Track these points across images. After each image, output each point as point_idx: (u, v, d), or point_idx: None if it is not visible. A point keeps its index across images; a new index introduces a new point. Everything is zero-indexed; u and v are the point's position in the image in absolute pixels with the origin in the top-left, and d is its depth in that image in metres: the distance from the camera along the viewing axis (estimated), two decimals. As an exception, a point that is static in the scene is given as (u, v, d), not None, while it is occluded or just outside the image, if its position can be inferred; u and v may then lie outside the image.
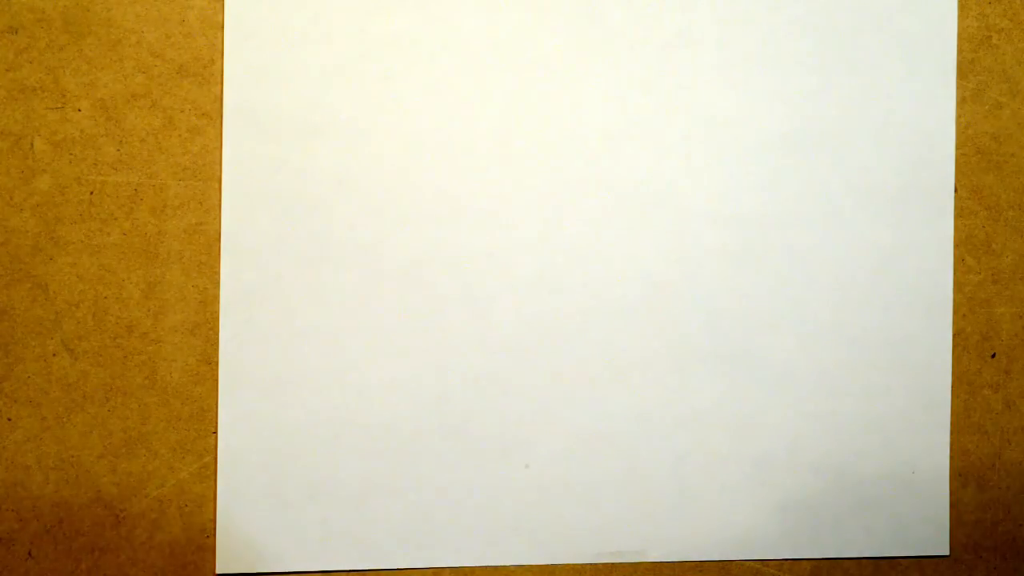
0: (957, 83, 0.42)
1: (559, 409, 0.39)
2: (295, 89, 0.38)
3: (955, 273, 0.42)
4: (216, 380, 0.37)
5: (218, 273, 0.37)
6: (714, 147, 0.40)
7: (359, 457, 0.38)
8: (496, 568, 0.39)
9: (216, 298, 0.37)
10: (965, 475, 0.42)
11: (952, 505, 0.42)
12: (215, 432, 0.37)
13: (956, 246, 0.41)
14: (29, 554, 0.36)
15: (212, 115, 0.37)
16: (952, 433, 0.42)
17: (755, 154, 0.40)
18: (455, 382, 0.38)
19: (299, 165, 0.38)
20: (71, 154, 0.37)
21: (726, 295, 0.40)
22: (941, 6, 0.42)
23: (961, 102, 0.42)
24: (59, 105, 0.36)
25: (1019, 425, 0.42)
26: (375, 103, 0.38)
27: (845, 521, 0.40)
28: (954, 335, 0.42)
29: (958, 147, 0.42)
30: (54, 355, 0.36)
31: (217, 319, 0.37)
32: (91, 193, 0.37)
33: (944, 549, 0.42)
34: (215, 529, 0.37)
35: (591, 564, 0.39)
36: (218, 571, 0.37)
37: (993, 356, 0.42)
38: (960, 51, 0.42)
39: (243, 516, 0.37)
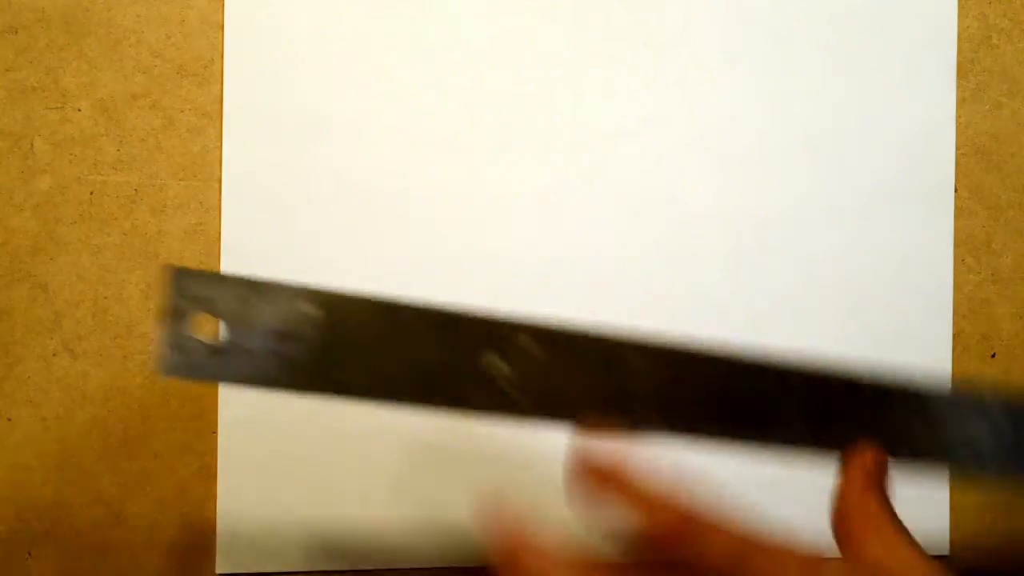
0: (957, 83, 0.42)
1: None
2: (295, 89, 0.38)
3: (955, 273, 0.42)
4: (216, 380, 0.37)
5: (218, 273, 0.37)
6: (713, 147, 0.40)
7: (359, 457, 0.38)
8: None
9: (216, 298, 0.37)
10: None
11: (952, 505, 0.42)
12: (215, 432, 0.37)
13: (956, 246, 0.41)
14: (29, 554, 0.36)
15: (212, 115, 0.37)
16: (952, 433, 0.42)
17: (754, 154, 0.40)
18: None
19: (299, 165, 0.38)
20: (71, 154, 0.36)
21: (725, 295, 0.40)
22: (941, 6, 0.42)
23: (961, 102, 0.42)
24: (59, 105, 0.36)
25: (1019, 425, 0.42)
26: (375, 103, 0.38)
27: (845, 521, 0.40)
28: (954, 335, 0.42)
29: (958, 147, 0.42)
30: (54, 355, 0.36)
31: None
32: (91, 193, 0.37)
33: (944, 549, 0.42)
34: (215, 529, 0.37)
35: (591, 564, 0.39)
36: (218, 571, 0.37)
37: (993, 356, 0.42)
38: (960, 51, 0.42)
39: (243, 516, 0.37)
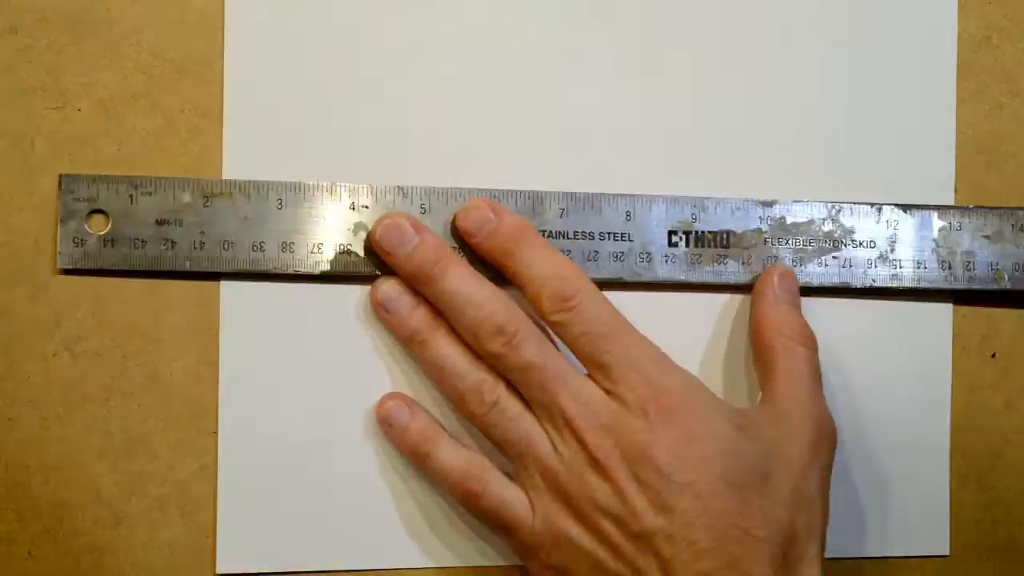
0: (957, 83, 0.42)
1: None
2: (295, 89, 0.38)
3: (955, 273, 0.41)
4: (216, 380, 0.37)
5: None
6: (712, 148, 0.40)
7: (359, 457, 0.38)
8: (496, 568, 0.39)
9: (216, 298, 0.37)
10: (965, 475, 0.42)
11: (952, 505, 0.42)
12: (215, 432, 0.37)
13: (956, 246, 0.41)
14: (29, 554, 0.36)
15: (212, 115, 0.37)
16: (952, 433, 0.42)
17: (754, 154, 0.40)
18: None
19: (299, 165, 0.37)
20: (71, 154, 0.36)
21: (726, 296, 0.40)
22: (941, 6, 0.42)
23: (961, 102, 0.42)
24: (59, 105, 0.36)
25: (1019, 425, 0.42)
26: (376, 103, 0.38)
27: (845, 521, 0.40)
28: (954, 335, 0.42)
29: (958, 147, 0.42)
30: (54, 355, 0.36)
31: (217, 319, 0.37)
32: (91, 193, 0.37)
33: (944, 549, 0.42)
34: (215, 529, 0.37)
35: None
36: (218, 571, 0.37)
37: (993, 356, 0.42)
38: (960, 51, 0.42)
39: (243, 516, 0.37)
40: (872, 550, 0.41)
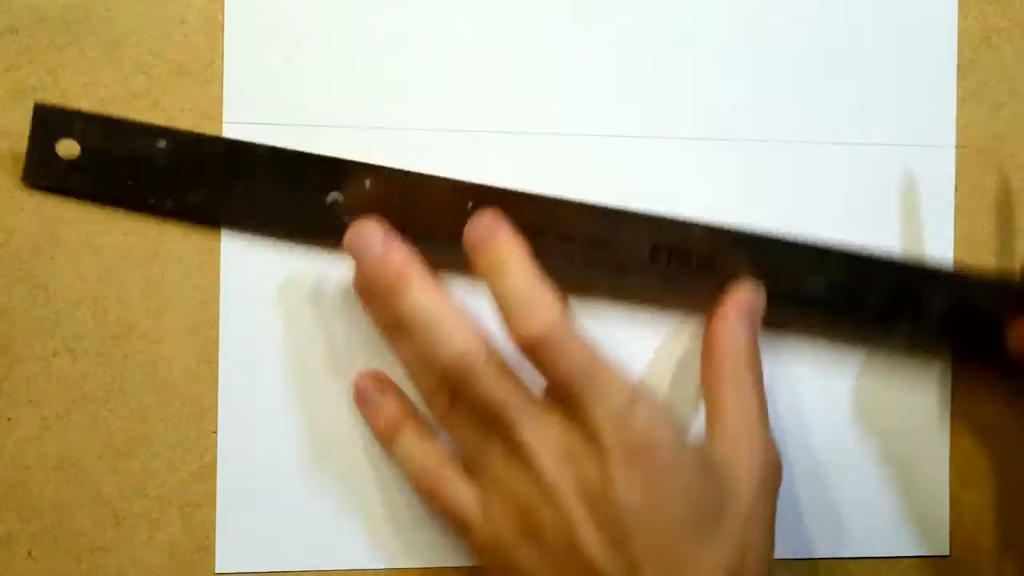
0: (957, 83, 0.42)
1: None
2: (295, 89, 0.38)
3: (955, 273, 0.42)
4: (216, 380, 0.37)
5: (218, 273, 0.37)
6: (711, 148, 0.40)
7: (360, 456, 0.38)
8: (496, 568, 0.39)
9: (216, 298, 0.37)
10: (965, 475, 0.42)
11: (952, 505, 0.42)
12: (215, 432, 0.37)
13: (956, 246, 0.41)
14: (29, 554, 0.36)
15: (212, 115, 0.37)
16: (952, 433, 0.42)
17: (753, 155, 0.40)
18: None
19: (299, 165, 0.38)
20: (71, 154, 0.36)
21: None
22: (941, 6, 0.42)
23: (961, 102, 0.42)
24: (59, 105, 0.36)
25: (1019, 425, 0.42)
26: (376, 103, 0.38)
27: (845, 521, 0.40)
28: (954, 335, 0.42)
29: (958, 147, 0.42)
30: (54, 355, 0.36)
31: (217, 319, 0.37)
32: (91, 193, 0.37)
33: (944, 549, 0.42)
34: (215, 529, 0.37)
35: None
36: (218, 570, 0.37)
37: (993, 356, 0.42)
38: (960, 51, 0.42)
39: (243, 516, 0.37)
40: (872, 550, 0.41)
